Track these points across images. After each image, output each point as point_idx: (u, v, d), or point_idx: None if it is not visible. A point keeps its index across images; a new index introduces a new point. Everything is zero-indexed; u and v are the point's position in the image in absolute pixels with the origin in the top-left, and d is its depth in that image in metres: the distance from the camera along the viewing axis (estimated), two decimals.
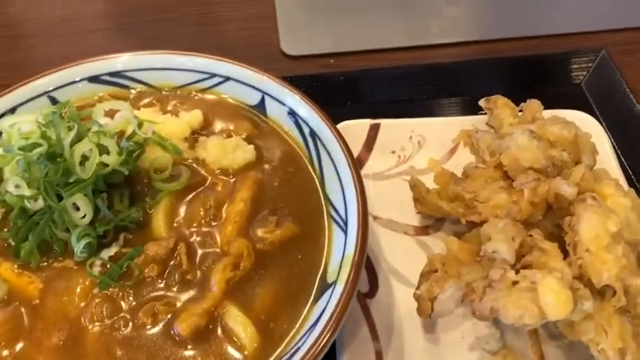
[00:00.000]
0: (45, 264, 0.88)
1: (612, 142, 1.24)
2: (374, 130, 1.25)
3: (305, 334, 0.80)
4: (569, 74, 1.42)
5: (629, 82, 1.35)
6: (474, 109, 1.24)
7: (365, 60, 1.51)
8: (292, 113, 1.02)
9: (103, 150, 0.88)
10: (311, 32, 1.56)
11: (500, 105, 1.14)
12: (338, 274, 0.83)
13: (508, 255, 0.82)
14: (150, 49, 1.11)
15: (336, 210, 0.93)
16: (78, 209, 0.86)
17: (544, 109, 1.16)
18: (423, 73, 1.43)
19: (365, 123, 1.25)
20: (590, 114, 1.27)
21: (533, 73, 1.44)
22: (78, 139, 0.88)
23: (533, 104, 1.14)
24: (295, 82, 1.36)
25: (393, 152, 1.24)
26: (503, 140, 0.98)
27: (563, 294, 0.78)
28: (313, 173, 0.99)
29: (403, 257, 1.09)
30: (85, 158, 0.87)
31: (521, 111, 1.16)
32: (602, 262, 0.85)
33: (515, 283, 0.81)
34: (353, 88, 1.40)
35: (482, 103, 1.17)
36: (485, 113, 1.20)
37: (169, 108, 1.06)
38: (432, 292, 0.96)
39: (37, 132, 0.88)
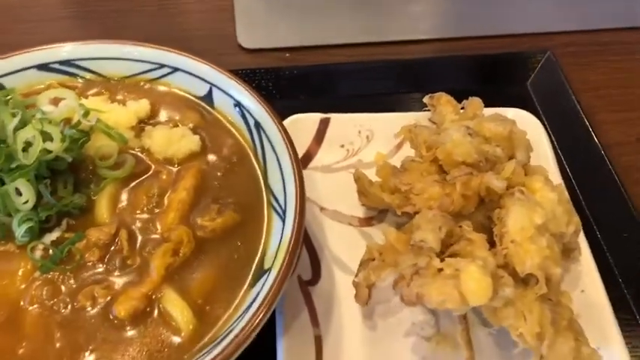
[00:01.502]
0: None
1: (552, 140, 1.30)
2: (324, 124, 1.28)
3: (239, 316, 0.83)
4: (516, 74, 1.48)
5: (571, 83, 1.41)
6: (423, 106, 1.28)
7: (321, 55, 1.54)
8: (238, 105, 1.05)
9: (47, 137, 0.89)
10: (268, 26, 1.59)
11: (443, 102, 1.18)
12: (274, 260, 0.86)
13: (434, 243, 0.86)
14: (106, 39, 1.12)
15: (276, 200, 0.96)
16: (20, 194, 0.88)
17: (490, 106, 1.21)
18: (376, 70, 1.47)
19: (315, 117, 1.28)
20: (534, 113, 1.32)
21: (483, 72, 1.50)
22: (22, 125, 0.89)
23: (475, 102, 1.19)
24: (250, 75, 1.41)
25: (342, 146, 1.27)
26: (439, 136, 1.02)
27: (483, 281, 0.82)
28: (256, 164, 1.02)
29: (346, 247, 1.12)
30: (28, 144, 0.88)
31: (463, 108, 1.20)
32: (525, 251, 0.90)
33: (440, 270, 0.85)
34: (307, 83, 1.43)
35: (426, 99, 1.21)
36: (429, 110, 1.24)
37: (118, 97, 1.08)
38: (369, 280, 0.99)
39: None
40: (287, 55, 1.53)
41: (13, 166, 0.87)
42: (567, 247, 1.04)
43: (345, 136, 1.28)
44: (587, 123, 1.32)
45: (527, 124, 1.22)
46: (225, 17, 1.61)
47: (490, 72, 1.48)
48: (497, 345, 1.02)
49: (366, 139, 1.28)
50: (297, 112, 1.26)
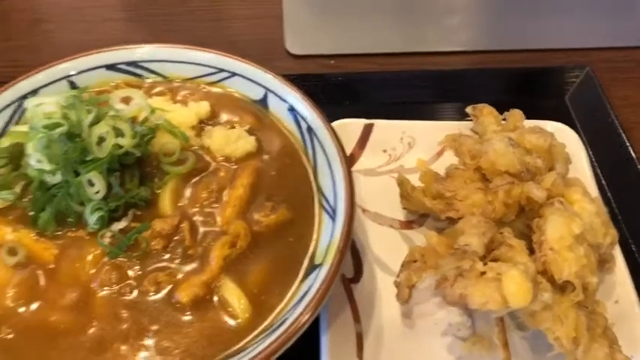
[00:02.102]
0: (60, 233, 0.97)
1: (589, 154, 1.34)
2: (367, 130, 1.33)
3: (292, 307, 0.89)
4: (554, 88, 1.51)
5: (610, 99, 1.44)
6: (463, 115, 1.32)
7: (363, 63, 1.60)
8: (292, 110, 1.11)
9: (118, 133, 0.96)
10: (315, 33, 1.64)
11: (485, 113, 1.23)
12: (324, 257, 0.92)
13: (478, 248, 0.91)
14: (159, 41, 1.19)
15: (326, 200, 1.01)
16: (92, 185, 0.95)
17: (528, 119, 1.25)
18: (417, 79, 1.51)
19: (360, 122, 1.33)
20: (571, 126, 1.35)
21: (522, 85, 1.53)
22: (96, 121, 0.96)
23: (516, 114, 1.23)
24: (298, 80, 1.44)
25: (385, 151, 1.32)
26: (483, 145, 1.07)
27: (524, 285, 0.87)
28: (308, 165, 1.08)
29: (387, 248, 1.16)
30: (101, 139, 0.95)
31: (504, 119, 1.25)
32: (563, 259, 0.94)
33: (483, 273, 0.90)
34: (351, 89, 1.48)
35: (469, 110, 1.26)
36: (471, 119, 1.29)
37: (179, 98, 1.15)
38: (410, 280, 1.04)
39: (58, 113, 0.96)
40: (332, 62, 1.59)
41: (88, 158, 0.94)
42: (603, 258, 1.08)
43: (388, 141, 1.33)
44: (625, 138, 1.35)
45: (566, 137, 1.26)
46: (273, 24, 1.67)
47: (529, 85, 1.52)
48: (531, 348, 1.05)
49: (407, 146, 1.33)
50: (340, 117, 1.30)
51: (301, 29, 1.64)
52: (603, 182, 1.31)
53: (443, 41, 1.68)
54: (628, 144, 1.33)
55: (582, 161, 1.27)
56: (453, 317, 1.09)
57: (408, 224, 1.22)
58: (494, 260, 0.93)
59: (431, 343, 1.07)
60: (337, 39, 1.63)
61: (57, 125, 0.94)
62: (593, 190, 1.21)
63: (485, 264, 0.90)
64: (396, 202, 1.23)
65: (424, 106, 1.47)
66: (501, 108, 1.26)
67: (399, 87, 1.49)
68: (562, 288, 0.95)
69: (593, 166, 1.30)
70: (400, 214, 1.23)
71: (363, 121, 1.34)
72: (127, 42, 1.21)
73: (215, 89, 1.17)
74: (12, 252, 0.94)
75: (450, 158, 1.27)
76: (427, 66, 1.60)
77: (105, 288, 0.92)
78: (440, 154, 1.31)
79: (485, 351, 1.04)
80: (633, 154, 1.32)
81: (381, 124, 1.34)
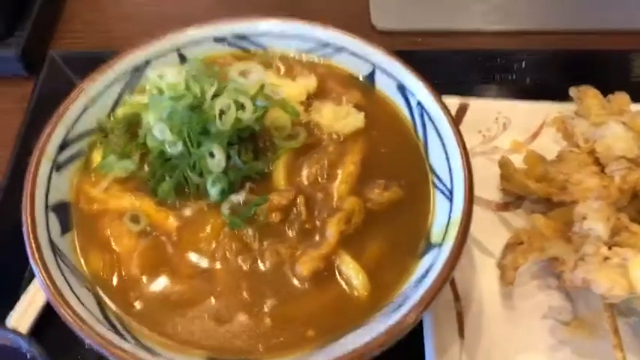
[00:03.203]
0: (179, 204, 0.99)
1: None
2: (463, 109, 1.31)
3: (413, 285, 0.90)
4: None
5: None
6: (560, 97, 1.30)
7: (451, 41, 1.58)
8: (401, 86, 1.11)
9: (239, 106, 0.97)
10: (401, 8, 1.63)
11: (590, 95, 1.20)
12: (444, 237, 0.92)
13: (603, 233, 0.91)
14: (240, 13, 1.19)
15: (439, 178, 1.01)
16: (213, 157, 0.96)
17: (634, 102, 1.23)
18: (508, 57, 1.49)
19: (455, 101, 1.31)
20: None
21: (623, 68, 1.49)
22: (216, 94, 0.97)
23: (621, 97, 1.20)
24: None
25: (479, 131, 1.31)
26: (598, 129, 1.05)
27: None
28: (418, 143, 1.07)
29: (484, 229, 1.16)
30: (222, 112, 0.96)
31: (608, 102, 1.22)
32: None
33: (606, 259, 0.89)
34: (441, 67, 1.46)
35: (572, 91, 1.23)
36: (568, 102, 1.26)
37: (285, 72, 1.15)
38: (516, 262, 1.04)
39: (182, 84, 0.97)
40: (419, 39, 1.57)
41: (211, 130, 0.96)
42: None
43: (483, 121, 1.31)
44: None
45: None
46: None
47: (630, 68, 1.48)
48: (634, 334, 1.05)
49: (502, 126, 1.32)
50: None
51: (387, 4, 1.62)
52: None
53: (533, 20, 1.64)
54: None
55: None
56: (553, 300, 1.10)
57: (504, 206, 1.22)
58: (616, 246, 0.92)
59: (531, 325, 1.07)
60: (425, 14, 1.61)
61: (182, 97, 0.96)
62: None
63: (609, 249, 0.90)
64: (491, 183, 1.23)
65: (518, 86, 1.44)
66: (603, 89, 1.23)
67: (490, 66, 1.47)
68: None
69: None
70: (496, 196, 1.22)
71: (457, 100, 1.32)
72: (210, 14, 1.21)
73: (322, 64, 1.16)
74: (135, 219, 0.96)
75: (545, 140, 1.26)
76: (514, 46, 1.57)
77: (226, 258, 0.94)
78: (535, 135, 1.30)
79: (587, 335, 1.04)
80: None
81: (476, 104, 1.32)
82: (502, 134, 1.31)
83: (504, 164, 1.16)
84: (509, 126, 1.32)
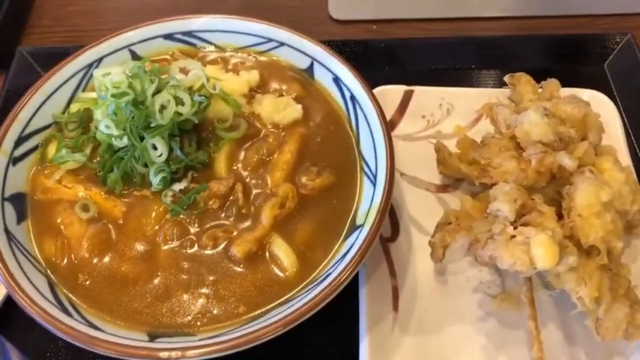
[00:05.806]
0: (126, 192, 1.07)
1: (625, 122, 1.37)
2: (408, 96, 1.38)
3: (335, 263, 0.98)
4: (594, 55, 1.52)
5: None
6: (502, 82, 1.35)
7: (405, 28, 1.64)
8: (336, 79, 1.18)
9: (179, 101, 1.05)
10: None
11: (522, 82, 1.26)
12: (365, 218, 1.00)
13: (509, 213, 0.98)
14: (204, 8, 1.26)
15: (367, 165, 1.09)
16: (156, 149, 1.04)
17: (567, 86, 1.28)
18: (458, 45, 1.55)
19: (400, 88, 1.38)
20: (609, 94, 1.38)
21: (561, 52, 1.55)
22: (157, 90, 1.05)
23: (552, 83, 1.26)
24: (340, 46, 1.51)
25: (423, 117, 1.38)
26: (518, 115, 1.12)
27: (551, 248, 0.93)
28: (350, 132, 1.15)
29: (423, 210, 1.24)
30: (163, 107, 1.04)
31: (541, 88, 1.28)
32: (590, 225, 0.99)
33: (512, 237, 0.97)
34: (392, 55, 1.52)
35: (506, 78, 1.29)
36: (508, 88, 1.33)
37: (230, 67, 1.22)
38: (444, 241, 1.11)
39: (125, 82, 1.05)
40: (374, 27, 1.63)
41: (151, 125, 1.03)
42: (630, 223, 1.13)
43: (427, 107, 1.38)
44: None
45: (602, 105, 1.30)
46: None
47: (568, 52, 1.53)
48: (556, 306, 1.13)
49: (446, 112, 1.38)
50: (381, 83, 1.36)
51: None
52: (637, 150, 1.34)
53: (483, 7, 1.69)
54: None
55: (617, 129, 1.31)
56: (483, 275, 1.18)
57: (443, 188, 1.29)
58: (525, 225, 0.99)
59: (462, 299, 1.15)
60: (380, 4, 1.67)
61: (124, 94, 1.03)
62: (626, 158, 1.25)
63: (515, 228, 0.97)
64: (432, 166, 1.29)
65: (462, 72, 1.51)
66: (540, 74, 1.29)
67: (439, 53, 1.53)
68: (588, 252, 1.01)
69: (628, 133, 1.33)
70: (436, 178, 1.30)
71: (403, 88, 1.39)
72: (176, 7, 1.27)
73: (264, 58, 1.24)
74: (85, 208, 1.05)
75: (486, 125, 1.32)
76: (468, 32, 1.63)
77: (168, 242, 1.03)
78: (477, 120, 1.36)
79: (512, 307, 1.12)
80: None
81: (420, 90, 1.39)
82: (445, 119, 1.38)
83: (439, 149, 1.23)
84: (453, 111, 1.38)
